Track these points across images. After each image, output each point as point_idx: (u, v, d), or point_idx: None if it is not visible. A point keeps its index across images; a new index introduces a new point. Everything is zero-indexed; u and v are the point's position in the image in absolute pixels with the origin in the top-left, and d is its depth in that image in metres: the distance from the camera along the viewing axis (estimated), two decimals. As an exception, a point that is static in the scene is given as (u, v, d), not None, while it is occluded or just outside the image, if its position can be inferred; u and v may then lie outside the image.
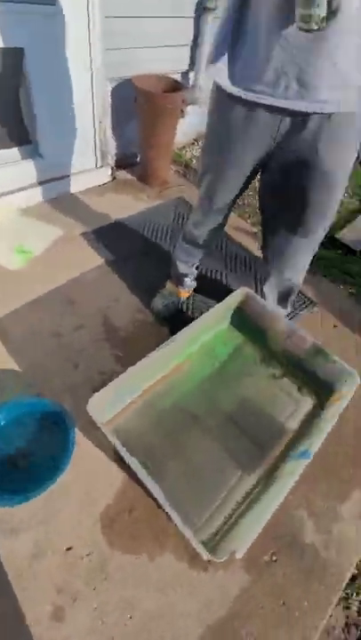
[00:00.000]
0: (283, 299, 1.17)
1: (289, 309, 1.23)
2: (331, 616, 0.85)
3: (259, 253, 1.52)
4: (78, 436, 0.96)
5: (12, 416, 0.95)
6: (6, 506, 0.82)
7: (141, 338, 1.23)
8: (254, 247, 1.64)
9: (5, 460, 0.91)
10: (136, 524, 0.88)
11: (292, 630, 0.79)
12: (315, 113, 0.71)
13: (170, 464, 0.94)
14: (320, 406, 1.05)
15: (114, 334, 1.23)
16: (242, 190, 0.94)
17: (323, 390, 1.08)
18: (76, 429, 0.93)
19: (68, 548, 0.83)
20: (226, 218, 1.05)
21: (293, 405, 1.10)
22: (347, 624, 0.87)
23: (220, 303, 1.12)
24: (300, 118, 0.72)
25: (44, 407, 0.96)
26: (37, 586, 0.78)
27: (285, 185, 0.84)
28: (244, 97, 0.74)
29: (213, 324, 1.18)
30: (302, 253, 0.98)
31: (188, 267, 1.23)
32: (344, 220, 1.91)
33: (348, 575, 0.88)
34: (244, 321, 1.19)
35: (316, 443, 0.84)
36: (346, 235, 1.79)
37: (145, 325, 1.27)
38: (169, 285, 1.32)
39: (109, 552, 0.83)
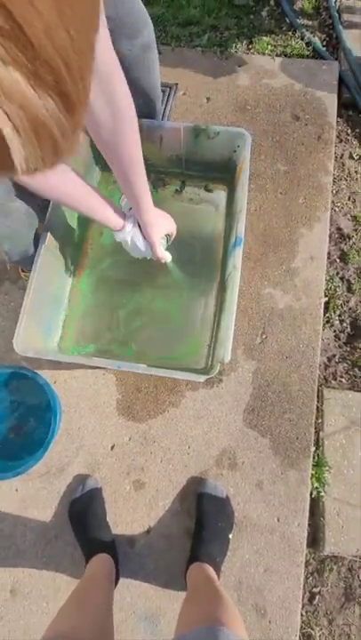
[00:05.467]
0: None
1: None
2: (322, 341, 1.00)
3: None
4: (49, 376, 0.94)
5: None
6: (29, 467, 0.81)
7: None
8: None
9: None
10: (148, 394, 0.94)
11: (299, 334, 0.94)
12: None
13: (139, 334, 0.94)
14: (232, 189, 0.97)
15: None
16: None
17: (225, 173, 0.97)
18: (40, 372, 0.89)
19: (112, 447, 0.92)
20: None
21: (211, 206, 1.02)
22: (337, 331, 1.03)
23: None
24: None
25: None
26: (110, 478, 0.89)
27: None
28: None
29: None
30: None
31: None
32: None
33: (322, 306, 0.99)
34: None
35: (241, 225, 0.79)
36: None
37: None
38: None
39: (143, 425, 0.92)
